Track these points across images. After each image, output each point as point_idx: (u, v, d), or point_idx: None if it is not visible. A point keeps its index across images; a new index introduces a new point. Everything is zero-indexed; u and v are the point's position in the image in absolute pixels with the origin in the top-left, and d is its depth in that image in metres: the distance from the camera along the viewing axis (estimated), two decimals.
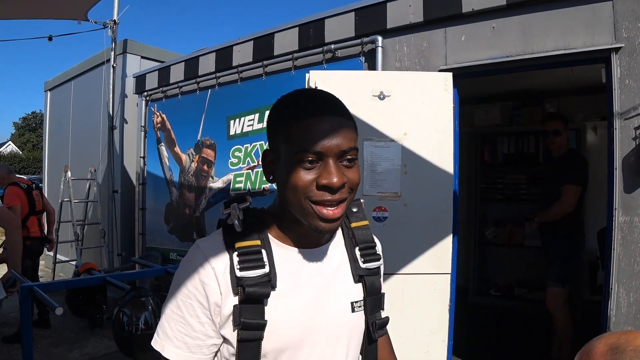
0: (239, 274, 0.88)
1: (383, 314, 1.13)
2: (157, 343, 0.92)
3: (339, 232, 1.05)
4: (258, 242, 0.92)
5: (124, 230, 6.18)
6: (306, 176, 0.85)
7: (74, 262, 6.37)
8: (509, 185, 5.57)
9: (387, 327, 1.10)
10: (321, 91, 0.95)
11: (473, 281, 5.64)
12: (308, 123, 0.85)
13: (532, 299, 5.17)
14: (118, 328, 2.50)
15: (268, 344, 0.89)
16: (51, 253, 6.38)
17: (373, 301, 1.03)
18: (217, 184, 4.92)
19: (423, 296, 2.92)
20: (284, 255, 0.94)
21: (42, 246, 5.17)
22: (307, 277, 0.95)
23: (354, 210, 1.07)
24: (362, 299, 1.01)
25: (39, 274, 5.35)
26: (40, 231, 5.10)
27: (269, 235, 0.95)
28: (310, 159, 0.84)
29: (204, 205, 5.09)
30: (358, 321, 1.01)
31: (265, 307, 0.89)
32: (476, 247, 5.69)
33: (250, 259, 0.89)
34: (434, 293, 2.93)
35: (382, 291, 1.07)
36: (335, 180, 0.83)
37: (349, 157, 0.86)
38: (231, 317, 0.88)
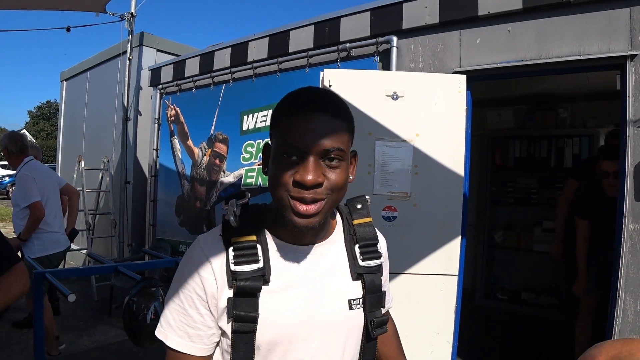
0: (233, 268, 0.90)
1: (391, 312, 1.14)
2: (160, 332, 0.95)
3: (339, 229, 1.05)
4: (254, 238, 0.93)
5: (134, 221, 6.24)
6: (286, 171, 0.86)
7: (84, 251, 6.45)
8: (519, 189, 5.55)
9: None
10: (320, 90, 0.95)
11: (480, 284, 5.63)
12: (293, 119, 0.86)
13: (539, 303, 5.17)
14: (128, 317, 2.53)
15: (261, 336, 0.91)
16: None
17: (372, 299, 1.02)
18: (228, 178, 4.96)
19: (429, 297, 2.93)
20: (280, 251, 0.95)
21: None
22: (302, 273, 0.96)
23: (358, 207, 1.07)
24: (360, 296, 1.00)
25: None
26: None
27: (266, 231, 0.97)
28: (291, 155, 0.85)
29: (215, 199, 5.13)
30: (356, 319, 1.00)
31: (259, 301, 0.91)
32: (485, 250, 5.68)
33: (245, 253, 0.91)
34: (441, 294, 2.94)
35: (383, 289, 1.06)
36: (308, 178, 0.84)
37: (332, 156, 0.86)
38: (226, 310, 0.90)
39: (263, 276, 0.91)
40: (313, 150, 0.85)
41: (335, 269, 1.00)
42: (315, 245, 0.99)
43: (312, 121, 0.86)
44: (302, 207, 0.86)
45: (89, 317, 5.01)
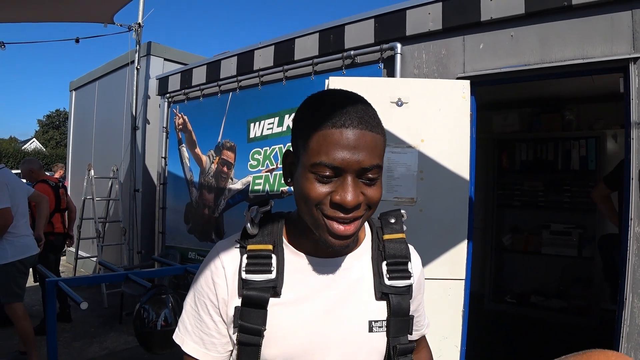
0: (244, 276, 0.87)
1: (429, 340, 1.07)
2: (177, 337, 0.94)
3: (367, 243, 0.97)
4: (269, 247, 0.89)
5: (144, 228, 6.31)
6: (321, 189, 0.79)
7: (94, 259, 6.51)
8: (526, 191, 5.55)
9: None
10: (350, 95, 0.87)
11: (489, 287, 5.62)
12: (328, 134, 0.77)
13: (548, 307, 5.15)
14: (139, 324, 2.57)
15: (268, 351, 0.87)
16: (73, 249, 6.55)
17: (398, 323, 0.92)
18: (236, 185, 5.00)
19: (436, 301, 2.94)
20: (296, 263, 0.90)
21: (64, 241, 5.34)
22: (318, 287, 0.90)
23: (391, 221, 0.99)
24: (384, 319, 0.92)
25: (60, 269, 5.50)
26: (63, 227, 5.27)
27: (284, 241, 0.92)
28: (327, 173, 0.77)
29: (223, 206, 5.17)
30: (377, 343, 0.91)
31: (268, 314, 0.86)
32: (493, 253, 5.68)
33: (258, 262, 0.88)
34: (448, 298, 2.96)
35: (412, 313, 0.96)
36: (349, 199, 0.77)
37: (370, 175, 0.79)
38: (233, 319, 0.87)
39: (274, 288, 0.86)
40: (351, 169, 0.77)
41: (357, 286, 0.92)
42: (337, 258, 0.92)
43: (350, 136, 0.77)
44: (341, 228, 0.80)
45: (100, 324, 5.07)
